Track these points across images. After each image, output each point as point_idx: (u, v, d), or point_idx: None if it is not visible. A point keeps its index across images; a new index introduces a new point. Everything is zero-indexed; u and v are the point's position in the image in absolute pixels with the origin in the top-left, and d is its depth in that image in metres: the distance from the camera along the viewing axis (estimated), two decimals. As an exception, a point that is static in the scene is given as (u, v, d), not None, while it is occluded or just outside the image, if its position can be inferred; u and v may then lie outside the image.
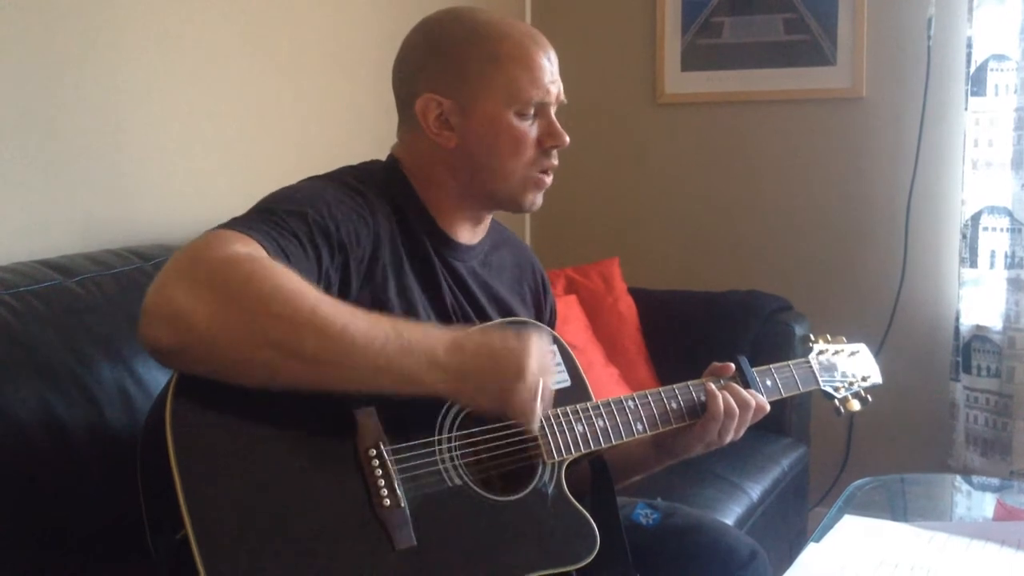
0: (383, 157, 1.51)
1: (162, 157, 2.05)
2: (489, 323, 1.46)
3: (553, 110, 1.45)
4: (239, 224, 1.22)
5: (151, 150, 2.02)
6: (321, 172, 1.46)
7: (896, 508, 1.96)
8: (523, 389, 1.21)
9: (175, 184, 2.08)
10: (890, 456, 2.94)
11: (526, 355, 1.21)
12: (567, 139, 1.45)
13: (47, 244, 1.77)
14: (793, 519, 2.64)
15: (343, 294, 1.31)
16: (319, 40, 2.47)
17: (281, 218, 1.24)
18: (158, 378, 1.52)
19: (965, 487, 2.19)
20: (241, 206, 1.31)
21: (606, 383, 2.54)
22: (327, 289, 1.27)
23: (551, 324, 1.64)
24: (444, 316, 1.43)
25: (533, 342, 1.23)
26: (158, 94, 2.02)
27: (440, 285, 1.43)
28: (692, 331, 2.76)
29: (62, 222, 1.84)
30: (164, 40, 2.03)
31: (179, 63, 2.07)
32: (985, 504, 2.03)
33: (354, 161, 1.50)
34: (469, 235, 1.50)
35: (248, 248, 1.16)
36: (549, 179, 1.47)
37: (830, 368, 1.68)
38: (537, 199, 1.48)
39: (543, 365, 1.24)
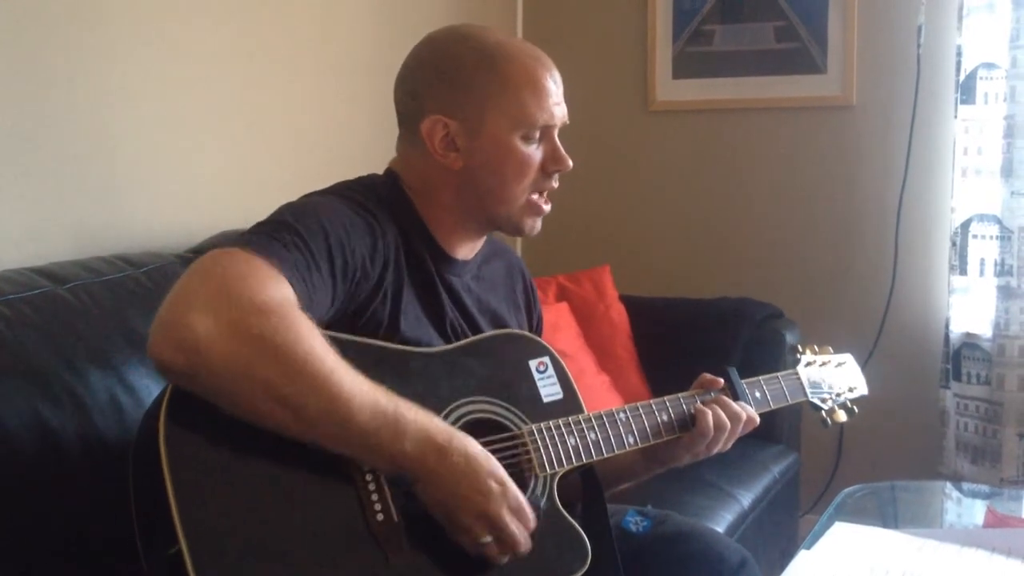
0: (378, 165, 1.52)
1: (153, 164, 2.04)
2: (485, 335, 1.46)
3: (556, 133, 1.45)
4: (267, 247, 1.20)
5: (142, 157, 2.02)
6: (315, 179, 1.46)
7: (887, 515, 1.96)
8: (477, 520, 1.20)
9: (167, 191, 2.08)
10: (881, 463, 2.94)
11: (503, 490, 1.20)
12: (570, 164, 1.45)
13: (38, 251, 1.76)
14: (784, 526, 2.65)
15: (347, 313, 1.32)
16: (314, 47, 2.47)
17: (304, 242, 1.24)
18: (150, 387, 1.52)
19: (955, 494, 2.19)
20: (234, 214, 1.31)
21: (597, 391, 2.54)
22: (336, 310, 1.29)
23: (537, 333, 1.64)
24: (443, 333, 1.43)
25: (515, 494, 1.22)
26: (149, 101, 2.02)
27: (442, 303, 1.44)
28: (683, 338, 2.76)
29: (53, 229, 1.84)
30: (156, 47, 2.03)
31: (171, 70, 2.07)
32: (975, 511, 2.04)
33: (349, 171, 1.50)
34: (466, 251, 1.51)
35: (281, 292, 1.16)
36: (548, 207, 1.48)
37: (817, 379, 1.69)
38: (536, 224, 1.48)
39: (517, 505, 1.22)
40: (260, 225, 1.28)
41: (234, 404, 1.12)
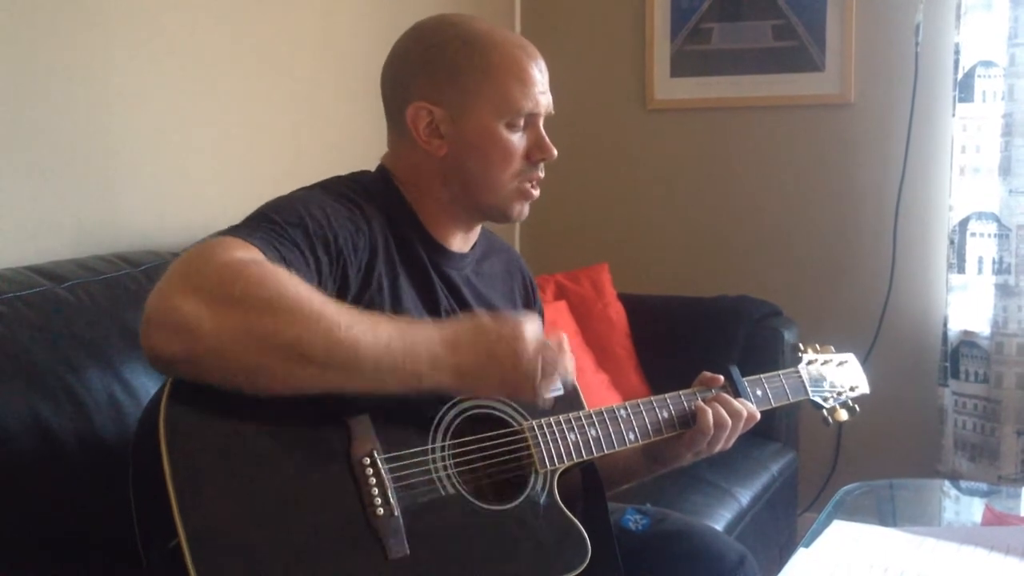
0: (374, 163, 1.52)
1: (152, 163, 2.04)
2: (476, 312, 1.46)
3: (542, 122, 1.46)
4: (239, 231, 1.22)
5: (141, 156, 2.02)
6: (313, 179, 1.46)
7: (885, 513, 1.96)
8: (522, 374, 1.22)
9: (165, 190, 2.08)
10: (879, 461, 2.95)
11: (519, 340, 1.22)
12: (555, 152, 1.45)
13: (37, 250, 1.76)
14: (783, 524, 2.65)
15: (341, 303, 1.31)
16: (311, 45, 2.47)
17: (280, 227, 1.25)
18: (147, 385, 1.52)
19: (953, 492, 2.19)
20: (232, 212, 1.31)
21: (596, 389, 2.54)
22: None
23: None
24: None
25: (523, 325, 1.24)
26: (148, 100, 2.02)
27: (436, 294, 1.43)
28: (682, 336, 2.76)
29: (51, 228, 1.83)
30: (154, 45, 2.03)
31: (169, 69, 2.07)
32: (973, 509, 2.03)
33: (345, 168, 1.50)
34: (461, 243, 1.51)
35: (250, 254, 1.17)
36: (536, 191, 1.48)
37: (819, 378, 1.70)
38: (524, 209, 1.48)
39: (538, 343, 1.24)
40: (240, 220, 1.28)
41: (240, 373, 1.11)
